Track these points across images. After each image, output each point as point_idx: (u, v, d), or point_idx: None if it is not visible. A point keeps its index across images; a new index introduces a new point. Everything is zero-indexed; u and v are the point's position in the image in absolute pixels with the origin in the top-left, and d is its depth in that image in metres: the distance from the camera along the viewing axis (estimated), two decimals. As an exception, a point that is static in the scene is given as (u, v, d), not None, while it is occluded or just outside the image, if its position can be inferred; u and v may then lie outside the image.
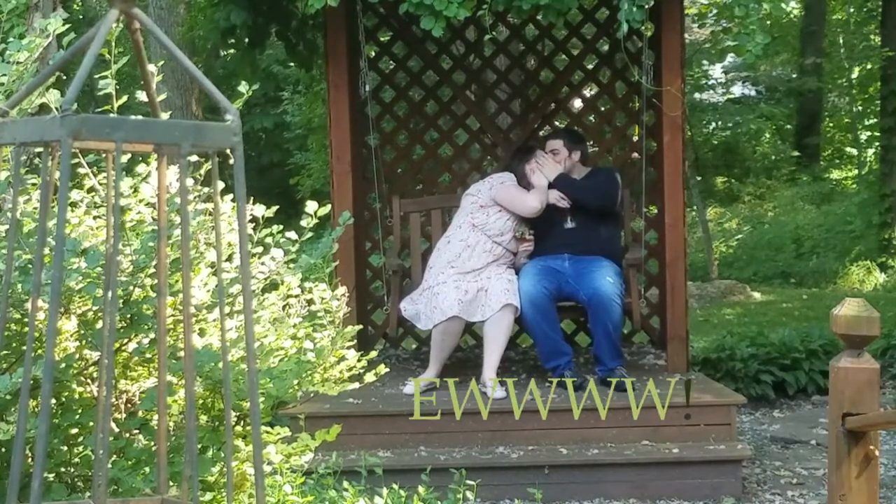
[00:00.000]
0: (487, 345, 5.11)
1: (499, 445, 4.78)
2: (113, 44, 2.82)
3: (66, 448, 2.78)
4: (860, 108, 16.97)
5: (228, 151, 1.73)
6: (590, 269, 5.20)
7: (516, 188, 5.42)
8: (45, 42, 2.97)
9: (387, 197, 6.00)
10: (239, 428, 3.12)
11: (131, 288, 2.75)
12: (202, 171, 3.12)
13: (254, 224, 3.15)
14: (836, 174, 18.02)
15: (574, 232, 5.38)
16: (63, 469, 2.78)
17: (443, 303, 5.06)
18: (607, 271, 5.18)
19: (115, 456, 2.75)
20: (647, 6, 4.84)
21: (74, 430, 2.77)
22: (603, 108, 6.75)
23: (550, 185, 5.40)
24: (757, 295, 11.39)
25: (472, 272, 5.22)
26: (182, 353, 2.41)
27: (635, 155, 5.98)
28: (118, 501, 2.05)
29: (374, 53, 6.52)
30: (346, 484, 3.43)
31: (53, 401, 2.66)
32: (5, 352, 2.66)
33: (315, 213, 3.26)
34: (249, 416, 2.27)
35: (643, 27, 5.09)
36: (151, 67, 1.92)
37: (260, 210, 3.12)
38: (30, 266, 2.60)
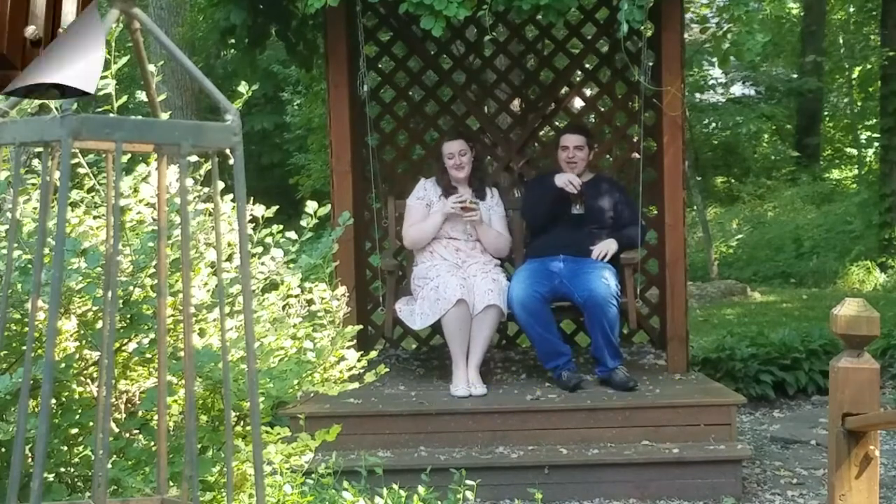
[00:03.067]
0: (471, 343, 5.09)
1: (499, 445, 4.78)
2: (113, 44, 2.82)
3: (66, 448, 2.78)
4: (860, 107, 16.98)
5: (228, 151, 1.73)
6: (584, 270, 5.17)
7: (406, 213, 5.53)
8: (45, 42, 2.96)
9: (384, 197, 6.00)
10: (239, 428, 3.12)
11: (131, 288, 2.75)
12: (202, 171, 3.12)
13: (254, 224, 3.15)
14: (836, 174, 18.02)
15: (578, 220, 5.29)
16: (63, 469, 2.78)
17: (445, 292, 5.04)
18: (602, 272, 5.13)
19: (115, 456, 2.75)
20: (646, 6, 4.84)
21: (74, 430, 2.77)
22: (603, 108, 6.75)
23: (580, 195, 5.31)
24: (757, 295, 11.38)
25: (460, 269, 5.24)
26: (182, 353, 2.41)
27: (635, 155, 5.98)
28: (118, 501, 2.05)
29: (374, 53, 6.51)
30: (346, 484, 3.43)
31: (53, 401, 2.66)
32: (5, 352, 2.66)
33: (315, 213, 3.26)
34: (249, 416, 2.27)
35: (643, 27, 5.09)
36: (151, 67, 1.92)
37: (260, 210, 3.13)
38: (30, 266, 2.60)
